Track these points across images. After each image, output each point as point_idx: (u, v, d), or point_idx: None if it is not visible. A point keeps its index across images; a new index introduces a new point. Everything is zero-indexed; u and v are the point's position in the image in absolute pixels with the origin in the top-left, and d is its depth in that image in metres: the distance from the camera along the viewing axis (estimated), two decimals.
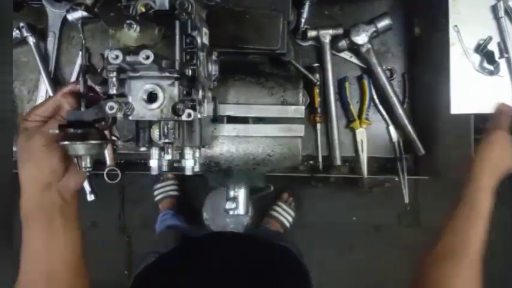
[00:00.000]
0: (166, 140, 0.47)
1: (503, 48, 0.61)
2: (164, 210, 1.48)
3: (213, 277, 0.64)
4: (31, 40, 0.73)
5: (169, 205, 1.52)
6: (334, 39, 0.76)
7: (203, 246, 0.79)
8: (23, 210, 0.46)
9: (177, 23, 0.44)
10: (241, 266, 0.67)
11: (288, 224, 1.47)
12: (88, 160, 0.48)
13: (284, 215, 1.45)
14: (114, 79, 0.43)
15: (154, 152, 0.50)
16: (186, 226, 1.35)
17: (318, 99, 0.77)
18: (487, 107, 0.63)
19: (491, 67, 0.62)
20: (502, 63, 0.62)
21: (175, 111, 0.43)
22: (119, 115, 0.43)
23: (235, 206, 0.66)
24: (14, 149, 0.77)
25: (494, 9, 0.62)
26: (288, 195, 1.48)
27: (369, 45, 0.75)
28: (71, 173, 0.49)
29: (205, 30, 0.50)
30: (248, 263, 0.69)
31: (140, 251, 1.68)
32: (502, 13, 0.61)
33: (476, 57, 0.63)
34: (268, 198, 1.50)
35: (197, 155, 0.53)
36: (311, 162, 0.80)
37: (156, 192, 1.57)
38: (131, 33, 0.42)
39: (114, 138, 0.74)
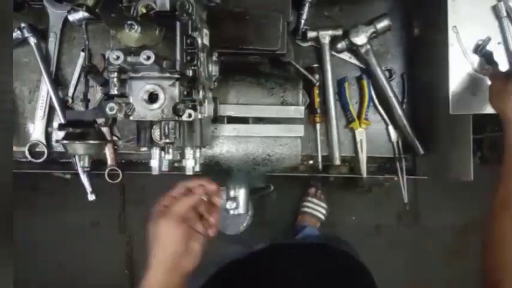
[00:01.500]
0: (167, 140, 0.47)
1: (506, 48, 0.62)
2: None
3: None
4: (32, 40, 0.73)
5: None
6: (334, 40, 0.77)
7: (269, 261, 0.76)
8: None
9: (178, 24, 0.44)
10: (308, 266, 0.67)
11: (323, 217, 1.47)
12: (86, 159, 0.49)
13: (317, 208, 1.45)
14: (115, 79, 0.43)
15: (155, 152, 0.50)
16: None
17: (317, 100, 0.77)
18: (486, 107, 0.63)
19: (489, 67, 0.62)
20: (503, 63, 0.62)
21: (176, 111, 0.43)
22: (120, 115, 0.43)
23: (236, 206, 0.66)
24: (14, 149, 0.77)
25: (494, 9, 0.62)
26: (316, 189, 1.46)
27: (368, 46, 0.75)
28: (190, 254, 0.51)
29: (205, 31, 0.51)
30: (311, 263, 0.68)
31: (140, 250, 1.68)
32: (504, 13, 0.61)
33: (475, 58, 0.63)
34: (295, 197, 1.50)
35: (198, 155, 0.53)
36: (311, 162, 0.80)
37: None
38: (132, 34, 0.42)
39: (114, 138, 0.74)
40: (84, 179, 0.74)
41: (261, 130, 0.68)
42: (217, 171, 0.66)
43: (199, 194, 0.51)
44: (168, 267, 0.49)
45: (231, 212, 0.66)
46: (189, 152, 0.52)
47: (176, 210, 0.49)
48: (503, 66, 0.62)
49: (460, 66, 0.63)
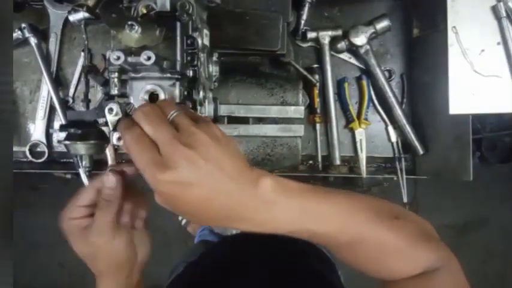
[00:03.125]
0: None
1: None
2: (200, 226, 1.47)
3: (241, 277, 0.65)
4: (33, 41, 0.73)
5: None
6: (334, 40, 0.77)
7: (227, 249, 0.79)
8: None
9: (178, 24, 0.44)
10: (261, 265, 0.68)
11: None
12: (88, 159, 0.49)
13: None
14: (115, 80, 0.43)
15: None
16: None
17: (317, 100, 0.78)
18: (485, 107, 0.63)
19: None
20: (503, 63, 0.63)
21: None
22: (120, 116, 0.43)
23: None
24: (14, 148, 0.77)
25: (494, 9, 0.62)
26: None
27: (368, 46, 0.75)
28: (140, 246, 0.49)
29: (206, 31, 0.51)
30: (267, 262, 0.69)
31: None
32: (503, 13, 0.61)
33: (475, 58, 0.63)
34: None
35: None
36: (310, 162, 0.81)
37: (180, 217, 1.57)
38: (133, 35, 0.42)
39: None
40: (84, 179, 0.74)
41: (261, 130, 0.68)
42: None
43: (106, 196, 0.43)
44: (124, 275, 0.47)
45: None
46: None
47: (102, 221, 0.43)
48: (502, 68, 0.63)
49: (460, 67, 0.63)
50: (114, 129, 0.42)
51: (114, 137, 0.42)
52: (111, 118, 0.42)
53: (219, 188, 0.36)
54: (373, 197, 0.44)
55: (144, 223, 0.49)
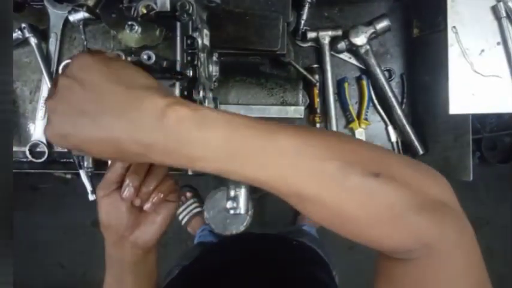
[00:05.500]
0: None
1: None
2: (201, 226, 1.47)
3: (232, 278, 0.65)
4: (33, 41, 0.73)
5: (200, 222, 1.51)
6: (334, 40, 0.77)
7: (221, 251, 0.79)
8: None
9: (178, 24, 0.44)
10: (254, 268, 0.68)
11: None
12: (90, 160, 0.49)
13: None
14: None
15: None
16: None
17: (317, 100, 0.78)
18: (485, 107, 0.63)
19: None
20: (503, 63, 0.63)
21: None
22: None
23: (236, 205, 0.66)
24: (14, 149, 0.77)
25: (494, 9, 0.62)
26: None
27: (368, 47, 0.75)
28: (145, 225, 0.47)
29: (206, 31, 0.51)
30: (261, 265, 0.69)
31: None
32: (503, 13, 0.61)
33: (475, 58, 0.63)
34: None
35: None
36: None
37: (180, 217, 1.57)
38: (133, 35, 0.43)
39: None
40: (85, 179, 0.74)
41: None
42: None
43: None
44: (113, 239, 0.46)
45: (231, 212, 0.66)
46: None
47: (106, 176, 0.44)
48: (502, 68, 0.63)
49: (460, 66, 0.63)
50: None
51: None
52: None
53: (103, 129, 0.32)
54: (358, 140, 0.35)
55: (162, 209, 0.47)
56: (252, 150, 0.31)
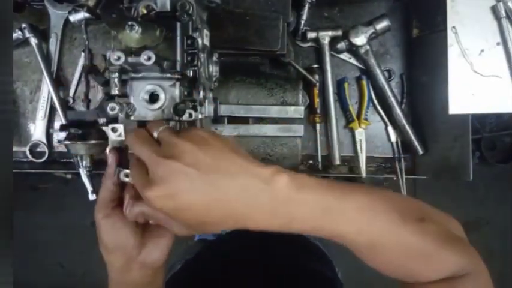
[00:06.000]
0: None
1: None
2: None
3: (235, 274, 0.65)
4: (33, 41, 0.73)
5: None
6: (333, 40, 0.77)
7: (223, 247, 0.79)
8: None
9: (178, 24, 0.44)
10: (257, 263, 0.68)
11: None
12: (88, 159, 0.49)
13: None
14: (116, 80, 0.43)
15: None
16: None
17: (317, 100, 0.78)
18: (485, 107, 0.63)
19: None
20: (502, 63, 0.63)
21: (177, 111, 0.43)
22: (121, 115, 0.43)
23: None
24: (14, 148, 0.78)
25: (494, 10, 0.62)
26: None
27: (368, 47, 0.75)
28: (152, 243, 0.45)
29: (206, 31, 0.51)
30: (267, 259, 0.69)
31: None
32: (503, 13, 0.61)
33: (475, 58, 0.63)
34: None
35: None
36: (310, 161, 0.81)
37: None
38: (133, 35, 0.43)
39: None
40: (85, 178, 0.74)
41: (261, 130, 0.68)
42: None
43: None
44: (120, 263, 0.44)
45: None
46: None
47: (100, 195, 0.43)
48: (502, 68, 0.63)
49: (459, 67, 0.63)
50: (118, 165, 0.42)
51: (122, 175, 0.41)
52: (113, 137, 0.42)
53: (218, 190, 0.34)
54: (396, 194, 0.41)
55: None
56: (339, 207, 0.36)
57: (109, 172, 0.43)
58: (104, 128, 0.44)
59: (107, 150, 0.44)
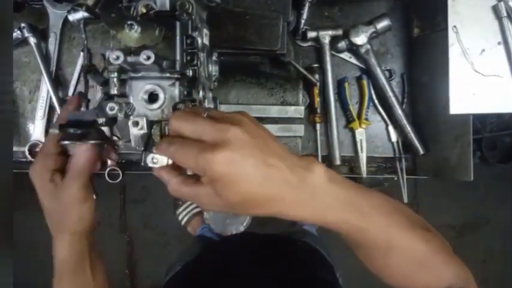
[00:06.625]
0: None
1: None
2: (201, 225, 1.47)
3: (234, 277, 0.65)
4: (32, 41, 0.73)
5: (200, 222, 1.52)
6: (334, 40, 0.77)
7: (224, 249, 0.80)
8: (56, 257, 0.48)
9: (178, 23, 0.44)
10: (258, 267, 0.68)
11: None
12: None
13: None
14: (115, 79, 0.43)
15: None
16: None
17: (317, 100, 0.77)
18: (485, 107, 0.63)
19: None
20: (503, 63, 0.63)
21: (176, 111, 0.43)
22: (120, 115, 0.43)
23: None
24: (14, 149, 0.77)
25: (495, 9, 0.62)
26: None
27: (368, 46, 0.75)
28: (66, 211, 0.48)
29: (205, 31, 0.51)
30: (265, 261, 0.69)
31: (141, 250, 1.68)
32: (504, 13, 0.61)
33: (475, 58, 0.63)
34: None
35: None
36: None
37: (180, 217, 1.57)
38: (132, 34, 0.42)
39: (115, 138, 0.74)
40: None
41: None
42: None
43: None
44: (74, 235, 0.48)
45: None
46: None
47: (70, 185, 0.45)
48: (502, 68, 0.62)
49: (460, 66, 0.63)
50: (146, 148, 0.41)
51: (149, 159, 0.40)
52: (136, 132, 0.42)
53: (272, 165, 0.34)
54: (401, 204, 0.43)
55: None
56: (363, 204, 0.38)
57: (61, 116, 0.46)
58: (129, 123, 0.42)
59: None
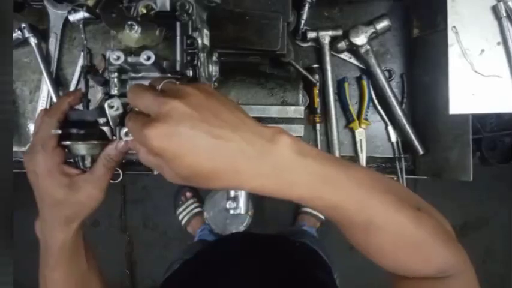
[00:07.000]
0: None
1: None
2: (201, 226, 1.48)
3: (232, 276, 0.65)
4: (32, 41, 0.73)
5: (200, 222, 1.52)
6: (334, 40, 0.77)
7: (222, 248, 0.80)
8: (51, 246, 0.48)
9: (178, 24, 0.44)
10: (255, 266, 0.68)
11: (323, 217, 1.47)
12: (89, 160, 0.49)
13: None
14: (115, 80, 0.43)
15: None
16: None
17: (317, 100, 0.77)
18: (485, 107, 0.63)
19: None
20: (503, 63, 0.63)
21: None
22: (121, 110, 0.43)
23: (236, 206, 0.66)
24: (14, 148, 0.77)
25: (494, 9, 0.62)
26: None
27: (368, 46, 0.75)
28: (69, 202, 0.47)
29: (206, 31, 0.51)
30: (263, 260, 0.70)
31: (141, 250, 1.68)
32: (503, 13, 0.61)
33: (475, 58, 0.63)
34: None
35: None
36: None
37: (180, 217, 1.57)
38: (132, 35, 0.42)
39: (115, 138, 0.74)
40: None
41: None
42: None
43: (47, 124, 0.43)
44: (46, 218, 0.47)
45: (231, 212, 0.66)
46: None
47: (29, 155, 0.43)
48: (502, 68, 0.62)
49: (460, 66, 0.63)
50: (118, 124, 0.42)
51: (122, 132, 0.41)
52: (112, 113, 0.42)
53: (218, 139, 0.32)
54: (395, 181, 0.41)
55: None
56: (339, 178, 0.35)
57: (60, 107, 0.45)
58: (104, 106, 0.43)
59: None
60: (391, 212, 0.36)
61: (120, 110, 0.42)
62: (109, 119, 0.42)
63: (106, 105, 0.41)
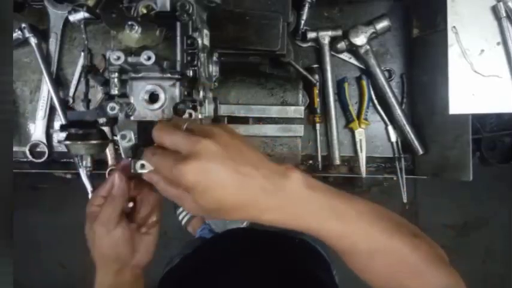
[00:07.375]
0: None
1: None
2: (201, 225, 1.48)
3: (232, 273, 0.65)
4: (33, 41, 0.73)
5: (200, 222, 1.52)
6: (334, 40, 0.77)
7: (222, 245, 0.80)
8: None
9: (178, 24, 0.44)
10: (254, 262, 0.68)
11: None
12: (89, 159, 0.49)
13: None
14: (115, 80, 0.43)
15: None
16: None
17: (317, 100, 0.78)
18: (485, 107, 0.63)
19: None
20: (503, 63, 0.63)
21: (177, 111, 0.43)
22: (121, 115, 0.43)
23: None
24: (14, 148, 0.77)
25: (494, 10, 0.62)
26: None
27: (368, 47, 0.75)
28: (143, 246, 0.50)
29: (206, 31, 0.51)
30: (263, 257, 0.70)
31: None
32: (503, 13, 0.61)
33: (475, 58, 0.63)
34: None
35: None
36: (310, 161, 0.81)
37: (180, 217, 1.57)
38: (133, 35, 0.43)
39: (115, 138, 0.74)
40: (85, 178, 0.74)
41: (261, 130, 0.68)
42: None
43: (121, 191, 0.46)
44: (115, 269, 0.49)
45: None
46: None
47: (106, 213, 0.46)
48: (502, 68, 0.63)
49: (460, 67, 0.63)
50: (134, 157, 0.43)
51: (138, 165, 0.42)
52: (124, 144, 0.43)
53: (245, 174, 0.36)
54: (391, 211, 0.43)
55: (153, 228, 0.52)
56: (345, 210, 0.39)
57: (119, 189, 0.46)
58: (118, 136, 0.44)
59: (107, 149, 0.45)
60: (391, 239, 0.40)
61: (133, 141, 0.43)
62: (121, 150, 0.44)
63: (119, 137, 0.43)
